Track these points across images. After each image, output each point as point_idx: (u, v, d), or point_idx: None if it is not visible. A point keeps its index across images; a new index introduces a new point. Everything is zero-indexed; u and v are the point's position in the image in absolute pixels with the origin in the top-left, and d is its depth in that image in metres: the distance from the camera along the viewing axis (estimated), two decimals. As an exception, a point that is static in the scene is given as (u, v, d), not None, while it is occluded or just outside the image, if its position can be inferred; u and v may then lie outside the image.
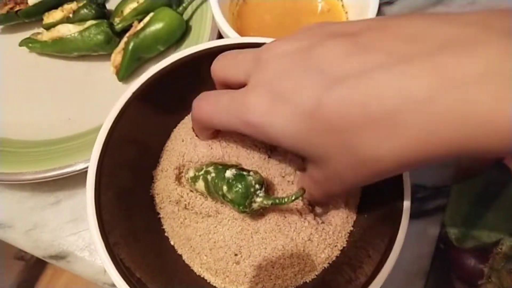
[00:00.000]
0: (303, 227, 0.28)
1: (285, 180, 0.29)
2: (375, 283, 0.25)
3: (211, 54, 0.30)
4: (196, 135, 0.30)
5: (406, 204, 0.26)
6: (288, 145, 0.22)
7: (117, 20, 0.45)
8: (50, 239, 0.36)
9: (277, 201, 0.26)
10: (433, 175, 0.37)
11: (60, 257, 0.36)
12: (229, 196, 0.26)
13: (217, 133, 0.30)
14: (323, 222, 0.29)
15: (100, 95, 0.44)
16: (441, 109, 0.16)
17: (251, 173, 0.27)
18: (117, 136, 0.29)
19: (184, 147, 0.30)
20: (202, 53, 0.31)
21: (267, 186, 0.28)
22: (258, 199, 0.26)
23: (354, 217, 0.30)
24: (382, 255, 0.25)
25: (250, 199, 0.26)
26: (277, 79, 0.21)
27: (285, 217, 0.28)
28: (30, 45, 0.46)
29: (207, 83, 0.32)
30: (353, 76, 0.18)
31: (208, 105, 0.26)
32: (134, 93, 0.30)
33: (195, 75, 0.32)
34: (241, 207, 0.26)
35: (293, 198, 0.25)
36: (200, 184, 0.28)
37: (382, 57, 0.18)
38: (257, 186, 0.26)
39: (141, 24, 0.43)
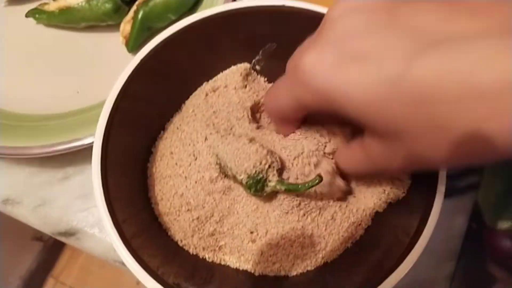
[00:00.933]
0: (327, 207, 0.26)
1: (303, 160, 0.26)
2: (402, 267, 0.22)
3: (226, 18, 0.28)
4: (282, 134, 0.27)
5: (441, 182, 0.24)
6: (355, 115, 0.19)
7: (125, -13, 0.43)
8: (59, 216, 0.35)
9: (291, 187, 0.24)
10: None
11: (69, 234, 0.35)
12: (239, 177, 0.24)
13: (301, 122, 0.26)
14: (347, 200, 0.27)
15: (110, 67, 0.42)
16: None
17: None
18: (124, 108, 0.27)
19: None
20: (216, 17, 0.28)
21: (282, 165, 0.25)
22: (271, 184, 0.24)
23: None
24: (411, 238, 0.23)
25: (262, 183, 0.24)
26: (349, 37, 0.18)
27: (307, 193, 0.26)
28: (37, 15, 0.44)
29: (222, 51, 0.30)
30: (456, 40, 0.15)
31: (272, 91, 0.24)
32: (141, 61, 0.28)
33: (208, 42, 0.29)
34: (252, 190, 0.24)
35: (310, 185, 0.23)
36: (212, 160, 0.26)
37: (494, 23, 0.15)
38: (270, 169, 0.24)
39: (151, -9, 0.41)
